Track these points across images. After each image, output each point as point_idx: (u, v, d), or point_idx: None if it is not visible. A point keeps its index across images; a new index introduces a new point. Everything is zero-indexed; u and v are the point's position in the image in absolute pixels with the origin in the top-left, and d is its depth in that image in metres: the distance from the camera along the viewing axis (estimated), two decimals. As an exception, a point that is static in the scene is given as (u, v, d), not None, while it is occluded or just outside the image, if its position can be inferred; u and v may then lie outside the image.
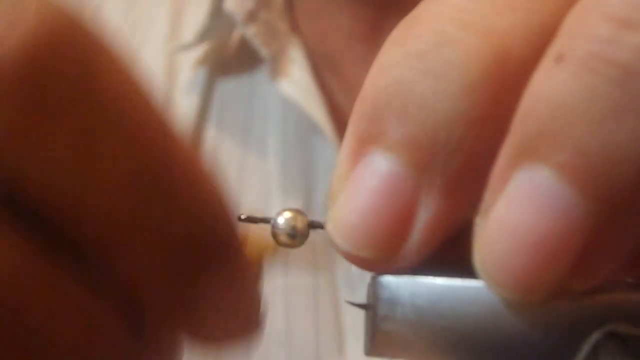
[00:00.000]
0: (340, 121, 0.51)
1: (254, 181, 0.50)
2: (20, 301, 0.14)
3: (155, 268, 0.16)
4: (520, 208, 0.14)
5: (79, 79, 0.14)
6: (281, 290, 0.47)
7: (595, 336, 0.15)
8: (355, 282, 0.46)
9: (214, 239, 0.16)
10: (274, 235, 0.18)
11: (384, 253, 0.16)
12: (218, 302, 0.17)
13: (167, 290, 0.16)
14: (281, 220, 0.18)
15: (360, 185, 0.16)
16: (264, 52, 0.51)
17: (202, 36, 0.52)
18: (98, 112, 0.14)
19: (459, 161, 0.15)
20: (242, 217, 0.18)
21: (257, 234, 0.18)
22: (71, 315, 0.15)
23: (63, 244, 0.15)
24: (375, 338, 0.16)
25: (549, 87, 0.14)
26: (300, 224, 0.18)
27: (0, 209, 0.14)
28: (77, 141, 0.14)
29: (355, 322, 0.46)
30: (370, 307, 0.16)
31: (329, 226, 0.16)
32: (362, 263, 0.16)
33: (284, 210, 0.18)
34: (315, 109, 0.50)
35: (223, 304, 0.17)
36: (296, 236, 0.18)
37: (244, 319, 0.18)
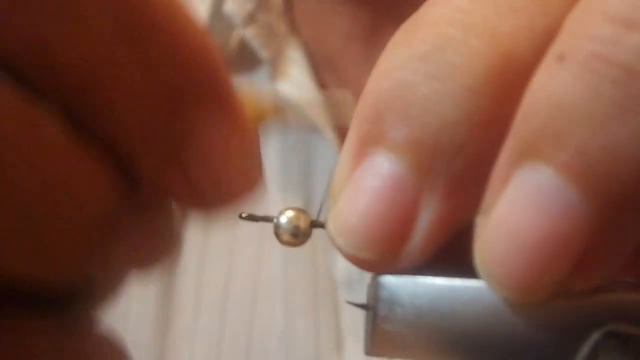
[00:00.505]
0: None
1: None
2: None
3: (140, 113, 0.15)
4: (521, 207, 0.14)
5: None
6: (281, 289, 0.48)
7: (595, 336, 0.15)
8: (355, 282, 0.46)
9: (201, 84, 0.15)
10: (277, 234, 0.18)
11: (385, 254, 0.16)
12: (212, 153, 0.15)
13: (155, 139, 0.15)
14: (284, 220, 0.18)
15: (362, 186, 0.16)
16: (263, 53, 0.51)
17: None
18: None
19: (461, 163, 0.15)
20: (244, 215, 0.18)
21: (253, 94, 0.18)
22: (51, 162, 0.14)
23: (45, 93, 0.14)
24: (375, 338, 0.16)
25: (550, 86, 0.14)
26: (303, 223, 0.18)
27: None
28: None
29: (354, 322, 0.46)
30: (371, 307, 0.16)
31: (330, 227, 0.16)
32: (363, 264, 0.16)
33: (287, 209, 0.18)
34: (315, 109, 0.50)
35: (217, 155, 0.16)
36: (299, 235, 0.18)
37: (243, 177, 0.16)
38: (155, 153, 0.15)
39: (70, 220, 0.14)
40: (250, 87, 0.18)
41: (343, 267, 0.46)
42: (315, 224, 0.18)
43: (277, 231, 0.18)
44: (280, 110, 0.18)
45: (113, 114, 0.15)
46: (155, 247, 0.17)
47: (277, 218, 0.18)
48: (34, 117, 0.14)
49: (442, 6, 0.16)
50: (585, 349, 0.15)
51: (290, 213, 0.18)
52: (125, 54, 0.14)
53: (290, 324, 0.47)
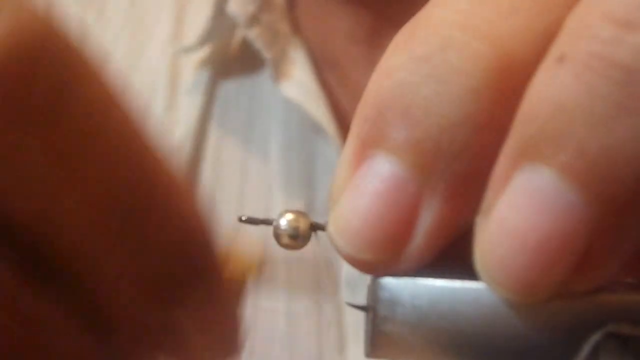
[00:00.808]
0: (342, 122, 0.51)
1: (256, 182, 0.51)
2: None
3: (131, 291, 0.15)
4: (521, 208, 0.14)
5: (54, 90, 0.14)
6: (284, 290, 0.48)
7: (595, 337, 0.15)
8: (357, 283, 0.46)
9: (192, 261, 0.16)
10: (276, 236, 0.18)
11: (385, 256, 0.16)
12: (198, 324, 0.16)
13: (144, 313, 0.15)
14: (283, 222, 0.18)
15: (363, 188, 0.16)
16: (266, 54, 0.51)
17: (205, 38, 0.53)
18: (74, 127, 0.14)
19: (462, 165, 0.15)
20: (243, 218, 0.18)
21: (241, 251, 0.18)
22: (28, 328, 0.14)
23: (34, 263, 0.15)
24: (375, 339, 0.16)
25: (550, 87, 0.14)
26: (302, 225, 0.18)
27: None
28: (51, 158, 0.14)
29: (356, 324, 0.46)
30: (370, 309, 0.16)
31: (330, 228, 0.16)
32: (364, 266, 0.16)
33: (286, 211, 0.18)
34: (318, 110, 0.50)
35: (203, 325, 0.16)
36: (298, 237, 0.18)
37: (225, 340, 0.17)
38: (134, 330, 0.16)
39: None
40: (238, 246, 0.18)
41: (346, 267, 0.46)
42: (315, 227, 0.18)
43: (277, 233, 0.18)
44: (267, 264, 0.19)
45: (102, 286, 0.15)
46: None
47: (277, 220, 0.18)
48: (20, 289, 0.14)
49: (442, 8, 0.16)
50: (585, 349, 0.15)
51: (289, 215, 0.18)
52: (117, 236, 0.15)
53: (292, 325, 0.47)
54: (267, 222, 0.18)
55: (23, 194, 0.14)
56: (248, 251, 0.18)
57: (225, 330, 0.17)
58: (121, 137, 0.15)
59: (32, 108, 0.13)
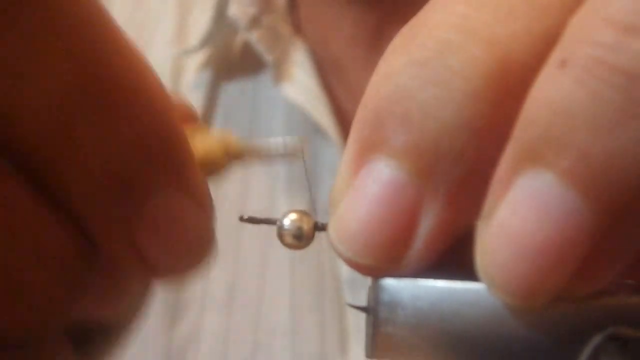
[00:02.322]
0: (344, 123, 0.51)
1: (259, 184, 0.51)
2: None
3: (99, 179, 0.15)
4: (522, 213, 0.14)
5: None
6: (287, 288, 0.48)
7: (596, 339, 0.15)
8: (359, 282, 0.46)
9: (162, 153, 0.16)
10: (280, 236, 0.18)
11: (386, 261, 0.16)
12: (168, 216, 0.16)
13: (113, 203, 0.15)
14: (287, 222, 0.18)
15: (363, 192, 0.16)
16: (267, 57, 0.51)
17: (206, 40, 0.53)
18: (38, 7, 0.14)
19: (462, 168, 0.15)
20: (244, 217, 0.18)
21: (217, 139, 0.18)
22: (18, 226, 0.15)
23: (7, 160, 0.14)
24: (376, 341, 0.16)
25: (552, 92, 0.14)
26: (306, 225, 0.18)
27: None
28: (11, 38, 0.14)
29: (359, 324, 0.46)
30: (371, 310, 0.16)
31: (331, 232, 0.16)
32: (364, 270, 0.16)
33: (290, 211, 0.18)
34: (319, 111, 0.50)
35: (174, 217, 0.16)
36: (302, 237, 0.18)
37: (197, 232, 0.17)
38: (106, 221, 0.16)
39: (34, 276, 0.15)
40: (215, 133, 0.18)
41: (346, 266, 0.46)
42: (319, 227, 0.18)
43: (281, 233, 0.18)
44: (245, 153, 0.19)
45: (69, 178, 0.15)
46: (122, 301, 0.18)
47: (281, 220, 0.18)
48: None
49: (440, 11, 0.16)
50: (586, 352, 0.15)
51: (293, 215, 0.18)
52: (82, 122, 0.14)
53: (296, 323, 0.47)
54: (268, 221, 0.18)
55: None
56: (225, 139, 0.18)
57: (197, 222, 0.17)
58: (90, 21, 0.15)
59: None
